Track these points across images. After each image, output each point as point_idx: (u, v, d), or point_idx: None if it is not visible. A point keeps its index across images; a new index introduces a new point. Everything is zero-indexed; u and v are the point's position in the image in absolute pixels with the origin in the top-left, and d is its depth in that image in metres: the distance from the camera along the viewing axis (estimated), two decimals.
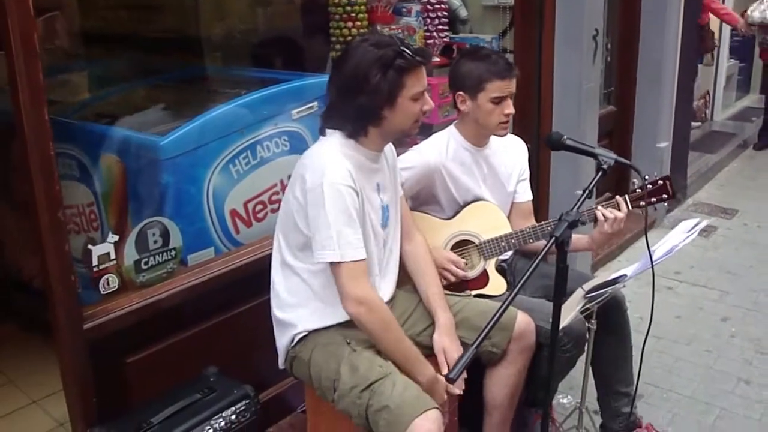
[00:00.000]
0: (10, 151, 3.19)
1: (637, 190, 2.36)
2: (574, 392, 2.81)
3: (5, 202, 3.33)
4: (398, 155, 2.32)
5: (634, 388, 2.26)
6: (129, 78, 3.21)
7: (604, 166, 1.97)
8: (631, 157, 4.34)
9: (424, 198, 2.49)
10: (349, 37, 2.83)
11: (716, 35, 6.29)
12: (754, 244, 4.36)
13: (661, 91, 4.29)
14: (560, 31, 3.39)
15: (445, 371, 2.11)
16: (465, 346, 2.18)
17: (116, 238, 2.18)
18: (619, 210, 2.30)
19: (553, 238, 1.81)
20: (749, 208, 4.94)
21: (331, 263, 1.92)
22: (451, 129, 2.51)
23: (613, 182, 4.13)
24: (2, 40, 1.79)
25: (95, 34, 3.22)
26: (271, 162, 2.67)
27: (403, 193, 2.32)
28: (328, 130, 2.04)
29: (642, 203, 2.37)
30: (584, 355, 2.45)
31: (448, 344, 2.14)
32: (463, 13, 3.54)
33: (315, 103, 2.75)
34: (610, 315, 2.40)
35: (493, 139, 2.50)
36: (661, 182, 2.35)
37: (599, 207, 2.32)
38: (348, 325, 2.05)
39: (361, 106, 1.93)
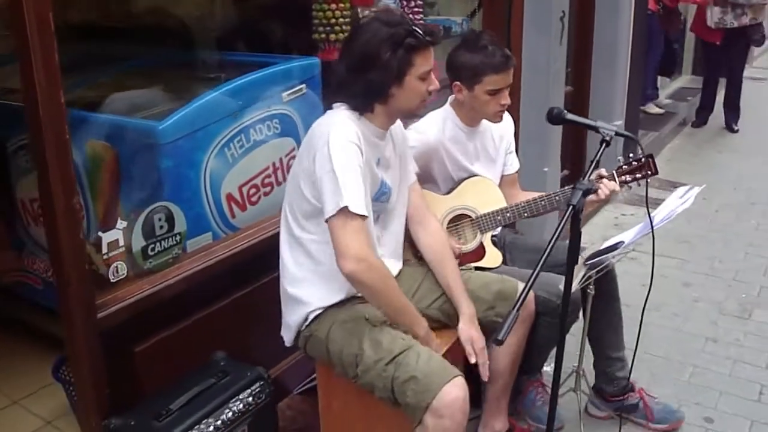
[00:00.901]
0: None
1: (623, 167, 2.47)
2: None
3: None
4: None
5: (633, 355, 2.37)
6: (97, 66, 3.11)
7: (607, 138, 2.04)
8: (587, 135, 4.50)
9: (420, 176, 2.53)
10: (333, 20, 2.83)
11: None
12: (703, 215, 4.61)
13: (615, 72, 4.47)
14: (529, 13, 3.48)
15: (473, 360, 2.16)
16: None
17: (125, 224, 2.13)
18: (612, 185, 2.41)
19: (571, 207, 1.86)
20: (694, 182, 5.13)
21: (332, 219, 1.88)
22: (447, 108, 2.57)
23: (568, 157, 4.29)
24: (14, 16, 1.72)
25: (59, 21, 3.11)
26: (264, 145, 2.65)
27: None
28: (334, 105, 2.06)
29: (628, 179, 2.48)
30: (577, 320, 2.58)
31: (474, 334, 2.18)
32: None
33: (303, 86, 2.75)
34: (600, 281, 2.51)
35: None
36: (644, 160, 2.45)
37: (598, 182, 2.40)
38: (363, 300, 2.08)
39: (370, 82, 1.96)
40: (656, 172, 2.50)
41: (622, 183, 2.48)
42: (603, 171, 2.49)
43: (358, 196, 1.89)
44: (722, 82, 6.64)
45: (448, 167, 2.54)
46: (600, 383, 2.72)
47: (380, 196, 2.13)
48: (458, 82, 2.45)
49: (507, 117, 2.73)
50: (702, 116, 6.64)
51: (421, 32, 1.97)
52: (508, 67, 2.41)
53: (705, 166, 5.74)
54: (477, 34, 2.51)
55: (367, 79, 1.96)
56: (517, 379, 2.57)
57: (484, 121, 2.59)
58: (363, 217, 1.90)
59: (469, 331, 2.18)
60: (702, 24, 6.30)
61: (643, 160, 2.46)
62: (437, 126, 2.52)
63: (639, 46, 4.81)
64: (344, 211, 1.86)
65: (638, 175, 2.48)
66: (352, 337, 2.03)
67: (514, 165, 2.76)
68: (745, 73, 6.84)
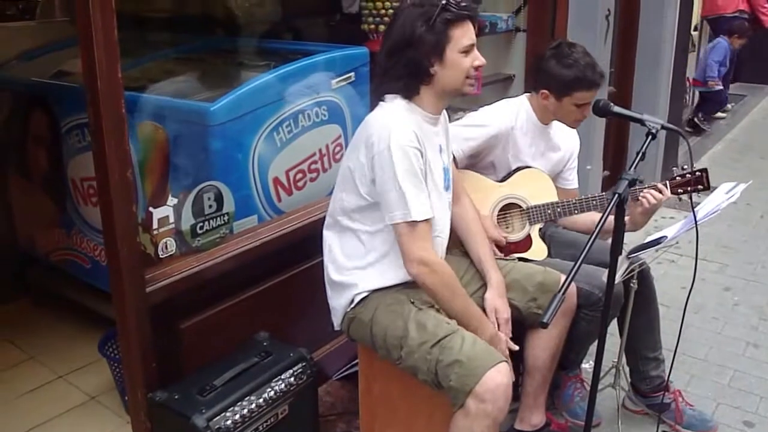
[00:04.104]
0: (28, 122, 3.16)
1: (677, 178, 2.46)
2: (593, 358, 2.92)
3: (20, 175, 3.28)
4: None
5: (672, 356, 2.35)
6: (145, 51, 3.17)
7: (653, 131, 2.03)
8: (629, 137, 4.47)
9: (479, 159, 2.57)
10: (382, 10, 2.88)
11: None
12: (745, 220, 4.55)
13: (659, 74, 4.43)
14: (574, 10, 3.47)
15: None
16: (513, 307, 2.25)
17: (175, 201, 2.17)
18: (661, 194, 2.41)
19: (616, 195, 1.85)
20: None
21: (397, 227, 1.95)
22: (523, 100, 2.60)
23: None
24: None
25: None
26: (312, 131, 2.68)
27: (467, 150, 2.42)
28: (387, 96, 2.06)
29: (680, 191, 2.48)
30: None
31: (499, 304, 2.20)
32: None
33: (352, 74, 2.78)
34: (638, 283, 2.48)
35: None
36: (699, 173, 2.45)
37: (645, 190, 2.41)
38: (409, 285, 2.09)
39: (410, 60, 1.97)
40: (708, 188, 2.49)
41: (675, 193, 2.47)
42: (659, 185, 2.48)
43: (422, 203, 1.94)
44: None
45: (509, 156, 2.56)
46: (634, 380, 2.71)
47: (448, 183, 2.16)
48: (546, 91, 2.48)
49: (574, 134, 2.76)
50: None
51: (455, 5, 1.97)
52: (600, 85, 2.47)
53: (747, 171, 5.66)
54: (570, 47, 2.51)
55: (406, 59, 1.97)
56: (556, 373, 2.57)
57: (555, 125, 2.63)
58: (428, 220, 1.96)
59: (494, 300, 2.20)
60: None
61: (697, 173, 2.45)
62: (512, 113, 2.56)
63: (683, 47, 4.76)
64: (410, 221, 1.92)
65: (689, 189, 2.47)
66: (397, 319, 2.04)
67: (574, 182, 2.77)
68: None
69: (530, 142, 2.58)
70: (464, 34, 1.99)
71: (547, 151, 2.63)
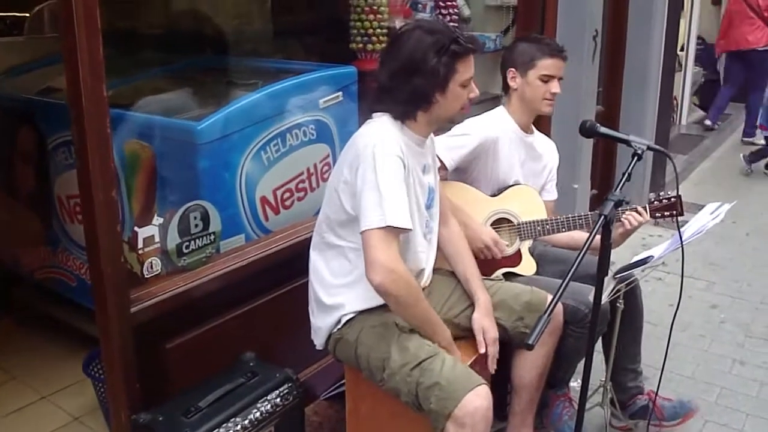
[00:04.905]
0: (15, 139, 3.15)
1: (655, 203, 2.53)
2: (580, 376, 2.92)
3: (6, 191, 3.26)
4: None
5: (660, 374, 2.35)
6: (135, 70, 3.17)
7: (639, 152, 2.05)
8: (617, 156, 4.50)
9: (468, 171, 2.59)
10: (370, 30, 2.89)
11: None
12: (731, 238, 4.58)
13: (646, 94, 4.47)
14: (561, 31, 3.51)
15: (483, 350, 2.17)
16: (500, 327, 2.25)
17: (161, 220, 2.16)
18: (641, 217, 2.48)
19: (602, 217, 1.87)
20: None
21: (369, 232, 1.87)
22: (502, 110, 2.64)
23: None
24: (63, 11, 1.78)
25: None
26: (299, 150, 2.68)
27: (456, 159, 2.45)
28: (375, 114, 2.07)
29: (657, 215, 2.55)
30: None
31: (487, 323, 2.20)
32: (466, 12, 3.63)
33: (340, 93, 2.78)
34: (625, 295, 2.50)
35: (536, 131, 2.69)
36: (674, 200, 2.51)
37: (626, 212, 2.48)
38: None
39: (415, 89, 1.97)
40: (682, 213, 2.54)
41: (653, 217, 2.54)
42: (639, 208, 2.52)
43: (401, 210, 1.89)
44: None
45: (495, 168, 2.58)
46: (614, 392, 2.71)
47: (431, 202, 2.16)
48: (513, 69, 2.56)
49: (554, 148, 2.82)
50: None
51: (463, 39, 2.00)
52: (561, 56, 2.54)
53: (733, 189, 5.71)
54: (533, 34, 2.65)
55: (412, 86, 1.97)
56: (544, 392, 2.56)
57: (536, 137, 2.69)
58: (406, 230, 1.92)
59: (482, 320, 2.19)
60: None
61: (672, 199, 2.51)
62: (497, 123, 2.59)
63: (670, 67, 4.81)
64: (386, 227, 1.86)
65: (666, 213, 2.53)
66: (380, 341, 2.03)
67: (552, 194, 2.81)
68: None
69: (511, 152, 2.60)
70: (467, 69, 2.02)
71: (527, 161, 2.67)
